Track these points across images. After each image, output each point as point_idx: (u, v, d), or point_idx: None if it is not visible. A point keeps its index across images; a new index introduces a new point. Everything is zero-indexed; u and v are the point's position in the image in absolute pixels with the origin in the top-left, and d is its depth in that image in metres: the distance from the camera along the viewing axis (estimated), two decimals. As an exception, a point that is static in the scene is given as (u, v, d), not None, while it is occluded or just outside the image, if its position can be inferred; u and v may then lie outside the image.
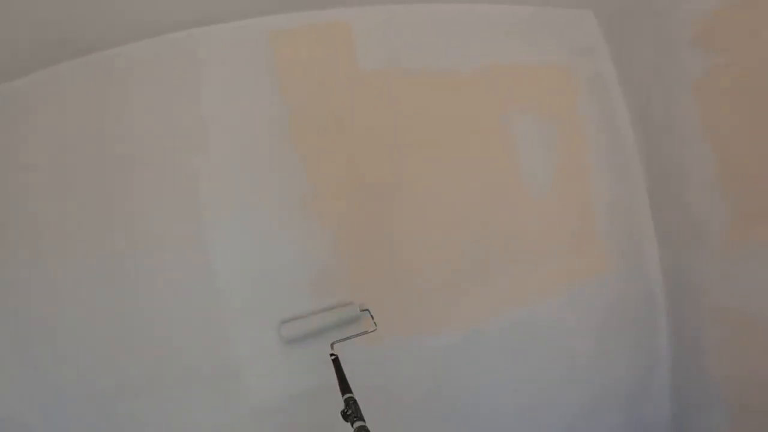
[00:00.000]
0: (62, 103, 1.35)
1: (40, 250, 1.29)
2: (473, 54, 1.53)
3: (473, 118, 1.52)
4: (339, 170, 1.43)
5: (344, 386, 1.07)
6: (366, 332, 1.28)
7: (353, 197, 1.42)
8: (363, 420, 0.96)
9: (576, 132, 1.61)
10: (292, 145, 1.41)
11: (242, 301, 1.34)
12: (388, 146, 1.46)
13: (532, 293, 1.52)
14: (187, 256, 1.33)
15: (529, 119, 1.56)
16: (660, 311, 1.63)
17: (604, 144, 1.63)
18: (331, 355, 1.17)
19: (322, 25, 1.46)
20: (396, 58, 1.48)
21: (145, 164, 1.35)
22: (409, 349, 1.42)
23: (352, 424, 0.95)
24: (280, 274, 1.36)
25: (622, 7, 1.58)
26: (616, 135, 1.64)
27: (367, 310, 1.32)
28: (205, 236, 1.34)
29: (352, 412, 0.98)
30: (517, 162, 1.55)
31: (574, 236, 1.58)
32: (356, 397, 0.98)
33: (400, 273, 1.43)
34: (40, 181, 1.31)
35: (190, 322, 1.32)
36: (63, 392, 1.25)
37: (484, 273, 1.49)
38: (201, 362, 1.31)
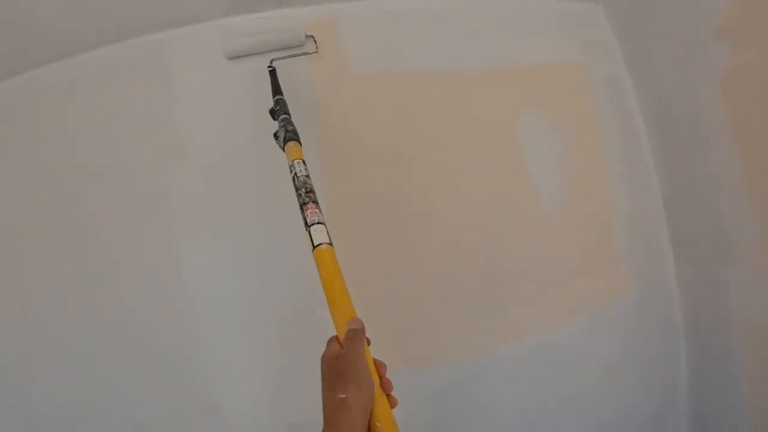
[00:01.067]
0: (28, 112, 1.23)
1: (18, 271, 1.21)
2: (476, 52, 1.38)
3: (478, 123, 1.36)
4: (329, 181, 1.26)
5: (276, 90, 1.15)
6: (307, 53, 1.27)
7: (347, 214, 1.26)
8: (288, 113, 1.05)
9: (591, 137, 1.46)
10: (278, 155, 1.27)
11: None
12: (384, 156, 1.30)
13: (546, 319, 1.36)
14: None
15: (540, 123, 1.41)
16: (680, 334, 1.49)
17: (621, 151, 1.48)
18: (269, 67, 1.21)
19: (307, 21, 1.29)
20: (389, 58, 1.32)
21: (115, 177, 1.23)
22: (412, 384, 1.25)
23: (277, 118, 1.04)
24: (263, 301, 1.23)
25: (633, 1, 1.44)
26: (632, 140, 1.49)
27: (312, 36, 1.29)
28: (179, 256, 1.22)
29: (279, 108, 1.06)
30: (528, 171, 1.39)
31: (592, 254, 1.42)
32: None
33: (399, 299, 1.27)
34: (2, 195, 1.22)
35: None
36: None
37: (494, 298, 1.33)
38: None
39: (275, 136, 1.01)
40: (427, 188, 1.31)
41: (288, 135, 0.95)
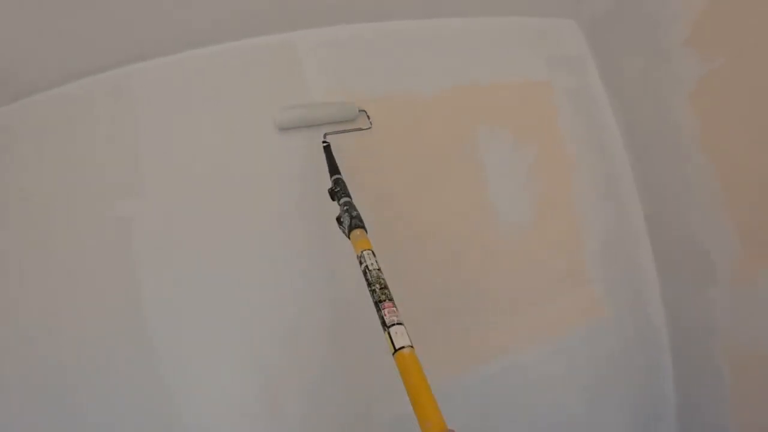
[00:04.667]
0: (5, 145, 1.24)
1: None
2: (436, 73, 1.37)
3: (437, 144, 1.34)
4: (295, 209, 1.27)
5: (333, 169, 1.12)
6: (361, 129, 1.27)
7: (301, 240, 1.26)
8: (349, 196, 1.02)
9: (560, 155, 1.43)
10: (240, 186, 1.26)
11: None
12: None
13: (510, 345, 1.33)
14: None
15: (502, 142, 1.38)
16: (664, 356, 1.44)
17: (593, 167, 1.45)
18: (324, 142, 1.20)
19: (266, 49, 1.30)
20: (347, 82, 1.32)
21: (69, 210, 1.22)
22: (375, 411, 1.24)
23: (339, 200, 1.00)
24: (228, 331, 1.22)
25: (606, 14, 1.41)
26: (605, 155, 1.46)
27: (364, 110, 1.29)
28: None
29: (339, 189, 1.03)
30: (489, 191, 1.36)
31: (562, 276, 1.39)
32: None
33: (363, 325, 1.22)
34: None
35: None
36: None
37: (457, 322, 1.30)
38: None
39: (338, 221, 0.97)
40: (388, 213, 1.29)
41: (353, 222, 0.91)
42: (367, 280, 0.78)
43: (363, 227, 0.91)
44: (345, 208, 0.95)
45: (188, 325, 1.20)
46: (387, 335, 0.69)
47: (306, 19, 1.30)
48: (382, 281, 0.77)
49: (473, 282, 1.32)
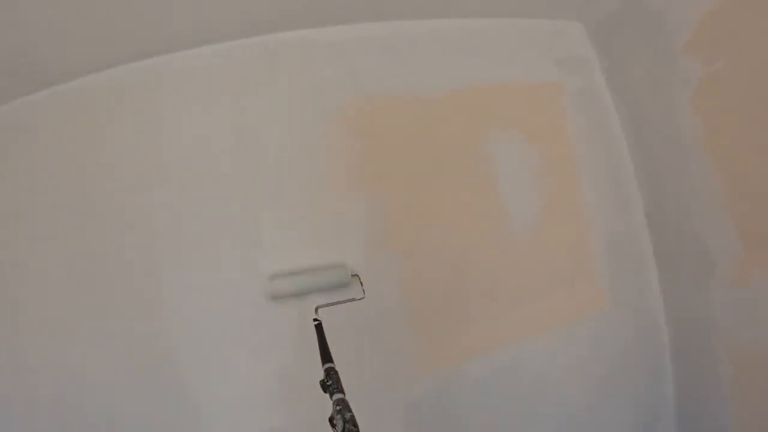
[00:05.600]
0: (26, 134, 1.30)
1: (9, 283, 1.24)
2: (446, 73, 1.41)
3: (445, 144, 1.38)
4: (305, 202, 1.32)
5: (325, 355, 1.01)
6: (353, 299, 1.21)
7: (324, 237, 1.31)
8: (343, 392, 0.91)
9: (566, 155, 1.46)
10: (258, 179, 1.32)
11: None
12: (354, 178, 1.34)
13: (515, 337, 1.37)
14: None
15: (512, 143, 1.42)
16: (665, 352, 1.47)
17: (598, 167, 1.48)
18: (315, 320, 1.10)
19: (287, 45, 1.36)
20: (360, 81, 1.37)
21: (106, 197, 1.28)
22: (384, 398, 1.28)
23: (331, 396, 0.90)
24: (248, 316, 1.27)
25: (611, 16, 1.44)
26: (611, 156, 1.49)
27: (356, 275, 1.24)
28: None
29: (332, 383, 0.93)
30: (499, 193, 1.40)
31: (567, 273, 1.43)
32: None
33: (372, 317, 1.29)
34: (13, 211, 1.27)
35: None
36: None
37: (463, 314, 1.35)
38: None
39: (331, 422, 0.86)
40: (398, 209, 1.34)
41: (347, 427, 0.81)
42: None
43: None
44: (338, 407, 0.86)
45: (207, 315, 1.25)
46: None
47: (322, 17, 1.34)
48: None
49: (483, 277, 1.36)
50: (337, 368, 0.91)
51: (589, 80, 1.51)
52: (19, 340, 1.23)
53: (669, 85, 1.35)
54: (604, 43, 1.51)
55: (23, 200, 1.27)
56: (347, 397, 0.84)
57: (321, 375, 0.93)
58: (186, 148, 1.31)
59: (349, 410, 0.86)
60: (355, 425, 0.82)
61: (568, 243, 1.44)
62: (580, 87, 1.50)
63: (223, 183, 1.31)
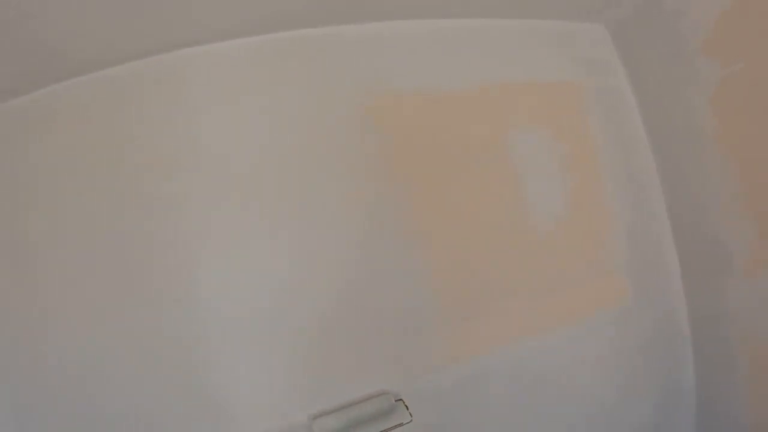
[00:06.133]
0: (55, 123, 1.29)
1: (36, 273, 1.23)
2: (474, 71, 1.44)
3: (472, 139, 1.41)
4: (334, 197, 1.33)
5: None
6: (401, 424, 1.20)
7: (351, 229, 1.32)
8: None
9: (589, 153, 1.50)
10: (286, 171, 1.33)
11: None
12: (382, 172, 1.36)
13: (540, 329, 1.40)
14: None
15: (537, 140, 1.46)
16: (685, 345, 1.51)
17: (620, 164, 1.52)
18: None
19: (313, 42, 1.38)
20: (389, 78, 1.39)
21: (133, 188, 1.28)
22: (413, 387, 1.30)
23: None
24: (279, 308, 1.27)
25: (632, 18, 1.49)
26: (632, 154, 1.53)
27: (401, 399, 1.25)
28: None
29: None
30: (525, 190, 1.44)
31: (590, 266, 1.46)
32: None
33: (399, 308, 1.32)
34: (38, 202, 1.25)
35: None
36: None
37: (487, 307, 1.37)
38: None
39: None
40: (425, 202, 1.37)
41: None
42: None
43: None
44: None
45: (239, 302, 1.25)
46: None
47: (353, 14, 1.36)
48: None
49: (508, 270, 1.39)
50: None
51: (610, 80, 1.55)
52: (42, 330, 1.22)
53: (688, 85, 1.39)
54: (624, 44, 1.55)
55: (49, 189, 1.26)
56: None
57: None
58: (215, 140, 1.31)
59: None
60: None
61: (591, 238, 1.47)
62: (601, 87, 1.54)
63: (250, 175, 1.31)
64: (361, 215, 1.33)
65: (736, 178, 1.33)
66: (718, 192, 1.38)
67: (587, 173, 1.49)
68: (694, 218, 1.46)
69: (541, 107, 1.48)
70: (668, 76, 1.44)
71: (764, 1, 1.19)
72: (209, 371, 1.24)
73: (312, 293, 1.27)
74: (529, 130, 1.46)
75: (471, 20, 1.47)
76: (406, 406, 1.24)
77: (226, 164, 1.30)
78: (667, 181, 1.52)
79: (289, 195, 1.31)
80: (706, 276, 1.45)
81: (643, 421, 1.49)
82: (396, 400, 1.24)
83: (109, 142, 1.29)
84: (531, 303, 1.40)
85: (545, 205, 1.44)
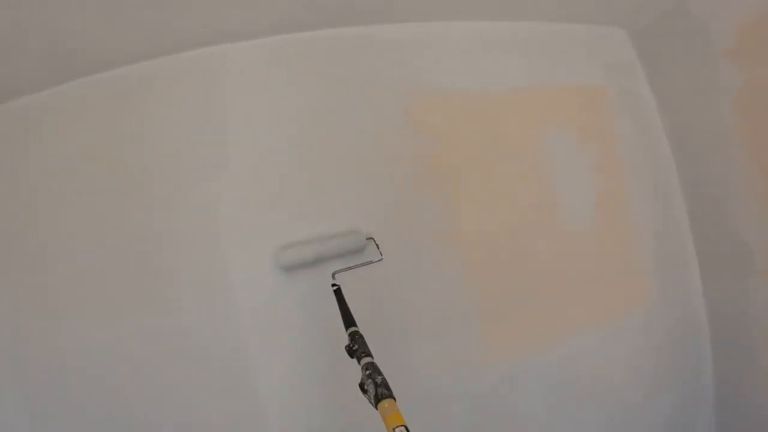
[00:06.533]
0: (76, 120, 1.25)
1: (46, 271, 1.20)
2: (504, 74, 1.45)
3: (507, 140, 1.43)
4: (363, 192, 1.32)
5: (348, 319, 1.00)
6: (371, 262, 1.18)
7: (382, 226, 1.29)
8: (371, 355, 0.89)
9: (614, 155, 1.53)
10: (317, 168, 1.30)
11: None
12: (420, 173, 1.36)
13: (571, 329, 1.41)
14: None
15: (566, 140, 1.47)
16: (705, 343, 1.54)
17: (643, 166, 1.55)
18: (333, 285, 1.09)
19: (352, 41, 1.37)
20: (426, 77, 1.39)
21: (162, 185, 1.25)
22: (451, 388, 1.31)
23: (359, 361, 0.87)
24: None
25: (654, 23, 1.52)
26: (654, 157, 1.56)
27: (372, 238, 1.21)
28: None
29: (358, 347, 0.90)
30: (555, 192, 1.46)
31: (618, 267, 1.49)
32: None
33: (436, 309, 1.32)
34: (51, 200, 1.22)
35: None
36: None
37: (521, 308, 1.38)
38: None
39: (361, 388, 0.83)
40: (460, 203, 1.38)
41: (380, 391, 0.78)
42: None
43: (392, 396, 0.78)
44: (368, 372, 0.83)
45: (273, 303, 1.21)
46: None
47: (391, 15, 1.36)
48: None
49: (541, 271, 1.41)
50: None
51: (633, 84, 1.58)
52: (71, 331, 1.19)
53: (710, 89, 1.43)
54: (646, 48, 1.58)
55: (79, 184, 1.22)
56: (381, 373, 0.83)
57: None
58: (249, 137, 1.29)
59: (380, 373, 0.83)
60: (388, 388, 0.80)
61: (618, 240, 1.50)
62: (625, 90, 1.56)
63: (285, 173, 1.29)
64: (399, 215, 1.32)
65: (756, 179, 1.37)
66: (738, 193, 1.42)
67: (613, 176, 1.52)
68: (714, 219, 1.50)
69: (570, 110, 1.50)
70: (689, 80, 1.48)
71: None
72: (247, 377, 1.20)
73: (354, 286, 1.21)
74: (558, 132, 1.47)
75: (500, 23, 1.48)
76: (377, 245, 1.21)
77: (260, 162, 1.28)
78: (688, 183, 1.56)
79: (323, 194, 1.29)
80: (727, 276, 1.49)
81: (665, 417, 1.51)
82: (367, 239, 1.21)
83: (142, 139, 1.26)
84: (562, 305, 1.41)
85: (575, 207, 1.46)
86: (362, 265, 1.17)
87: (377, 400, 0.77)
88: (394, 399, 0.77)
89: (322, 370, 1.19)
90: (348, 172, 1.31)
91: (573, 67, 1.53)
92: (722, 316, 1.52)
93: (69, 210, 1.21)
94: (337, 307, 1.05)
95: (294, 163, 1.29)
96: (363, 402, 0.79)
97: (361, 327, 1.10)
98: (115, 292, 1.19)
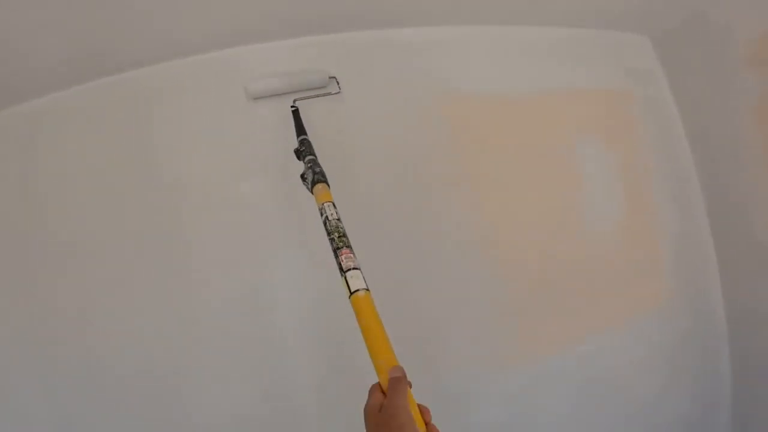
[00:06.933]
0: (101, 121, 1.26)
1: (72, 272, 1.20)
2: (531, 78, 1.48)
3: (537, 142, 1.45)
4: (390, 198, 1.34)
5: (300, 131, 1.15)
6: (330, 93, 1.28)
7: (405, 229, 1.33)
8: (315, 155, 1.05)
9: (639, 158, 1.56)
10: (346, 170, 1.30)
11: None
12: (452, 174, 1.38)
13: (596, 328, 1.44)
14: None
15: (594, 143, 1.51)
16: (721, 343, 1.57)
17: (665, 171, 1.58)
18: (292, 106, 1.22)
19: (373, 42, 1.38)
20: (449, 80, 1.42)
21: (190, 189, 1.26)
22: (480, 386, 1.34)
23: (303, 159, 1.04)
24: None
25: (676, 30, 1.55)
26: (675, 161, 1.59)
27: (334, 77, 1.30)
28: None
29: (304, 149, 1.07)
30: (583, 192, 1.49)
31: (641, 267, 1.52)
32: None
33: (466, 308, 1.35)
34: (75, 202, 1.23)
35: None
36: None
37: (549, 308, 1.41)
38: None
39: (302, 177, 1.00)
40: (489, 205, 1.40)
41: (316, 177, 0.95)
42: (326, 229, 0.80)
43: (326, 182, 0.94)
44: (309, 165, 0.99)
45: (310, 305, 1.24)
46: (344, 279, 0.72)
47: (420, 18, 1.38)
48: (341, 230, 0.79)
49: (568, 271, 1.43)
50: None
51: (655, 90, 1.61)
52: (102, 338, 1.19)
53: (731, 96, 1.45)
54: (668, 55, 1.61)
55: (109, 183, 1.23)
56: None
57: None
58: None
59: (319, 166, 1.00)
60: (324, 176, 0.96)
61: (642, 241, 1.53)
62: (647, 96, 1.59)
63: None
64: (427, 216, 1.35)
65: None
66: (757, 197, 1.45)
67: (638, 180, 1.55)
68: (734, 222, 1.53)
69: (597, 114, 1.53)
70: (712, 86, 1.50)
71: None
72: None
73: (382, 286, 1.25)
74: (586, 136, 1.50)
75: (525, 27, 1.50)
76: (338, 82, 1.30)
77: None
78: (708, 187, 1.59)
79: (357, 197, 1.28)
80: (745, 278, 1.52)
81: (681, 417, 1.54)
82: (330, 77, 1.30)
83: (174, 140, 1.28)
84: (588, 305, 1.44)
85: (601, 210, 1.49)
86: (321, 95, 1.27)
87: (313, 185, 0.94)
88: (328, 184, 0.95)
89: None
90: (379, 173, 1.34)
91: (597, 71, 1.56)
92: (740, 316, 1.55)
93: (96, 207, 1.22)
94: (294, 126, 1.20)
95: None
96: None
97: (398, 331, 1.16)
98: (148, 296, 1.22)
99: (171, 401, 1.20)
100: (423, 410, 0.61)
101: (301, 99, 1.25)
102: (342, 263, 0.74)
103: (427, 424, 0.60)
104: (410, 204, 1.34)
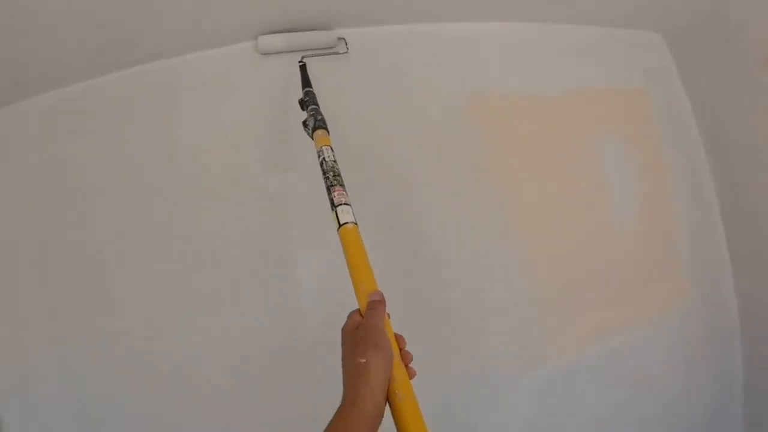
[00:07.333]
0: (131, 110, 1.24)
1: (93, 263, 1.18)
2: (555, 75, 1.48)
3: (561, 139, 1.46)
4: (438, 196, 1.34)
5: (306, 83, 1.18)
6: (337, 53, 1.30)
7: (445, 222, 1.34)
8: (317, 104, 1.08)
9: (656, 156, 1.57)
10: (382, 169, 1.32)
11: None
12: (481, 171, 1.38)
13: (620, 325, 1.46)
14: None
15: (615, 141, 1.52)
16: (735, 340, 1.60)
17: (681, 169, 1.60)
18: (300, 62, 1.24)
19: (399, 39, 1.38)
20: (484, 77, 1.42)
21: (223, 181, 1.24)
22: (507, 383, 1.34)
23: (306, 108, 1.07)
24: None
25: (690, 28, 1.56)
26: (690, 159, 1.61)
27: (343, 38, 1.32)
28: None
29: (308, 99, 1.10)
30: (606, 188, 1.50)
31: (661, 265, 1.53)
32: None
33: (494, 307, 1.36)
34: (97, 193, 1.21)
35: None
36: None
37: (575, 305, 1.42)
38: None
39: (304, 124, 1.04)
40: (516, 203, 1.41)
41: (317, 123, 0.99)
42: (322, 169, 0.84)
43: (325, 128, 0.98)
44: (311, 113, 1.03)
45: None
46: (334, 214, 0.76)
47: (450, 13, 1.39)
48: (336, 170, 0.83)
49: (594, 268, 1.45)
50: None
51: (670, 89, 1.62)
52: (123, 328, 1.18)
53: (745, 95, 1.48)
54: (682, 53, 1.63)
55: (136, 176, 1.22)
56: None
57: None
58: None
59: (321, 114, 1.03)
60: (324, 123, 1.00)
61: (661, 239, 1.55)
62: (662, 95, 1.61)
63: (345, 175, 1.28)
64: (459, 214, 1.35)
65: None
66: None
67: (656, 178, 1.56)
68: (747, 219, 1.55)
69: (616, 113, 1.54)
70: (726, 85, 1.52)
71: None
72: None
73: (411, 283, 1.26)
74: (606, 135, 1.52)
75: (544, 25, 1.50)
76: (346, 43, 1.31)
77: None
78: (722, 185, 1.61)
79: (388, 193, 1.31)
80: (758, 275, 1.54)
81: (698, 412, 1.56)
82: (339, 38, 1.31)
83: (195, 132, 1.26)
84: (612, 303, 1.45)
85: (623, 208, 1.51)
86: (327, 53, 1.29)
87: (313, 130, 0.97)
88: (328, 131, 0.98)
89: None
90: (409, 170, 1.34)
91: (615, 70, 1.57)
92: (752, 311, 1.58)
93: (118, 198, 1.21)
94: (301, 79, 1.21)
95: (357, 157, 1.23)
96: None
97: (428, 328, 1.19)
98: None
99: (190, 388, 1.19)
100: (398, 337, 0.63)
101: (309, 56, 1.27)
102: (334, 199, 0.78)
103: (401, 349, 0.61)
104: (440, 199, 1.35)
